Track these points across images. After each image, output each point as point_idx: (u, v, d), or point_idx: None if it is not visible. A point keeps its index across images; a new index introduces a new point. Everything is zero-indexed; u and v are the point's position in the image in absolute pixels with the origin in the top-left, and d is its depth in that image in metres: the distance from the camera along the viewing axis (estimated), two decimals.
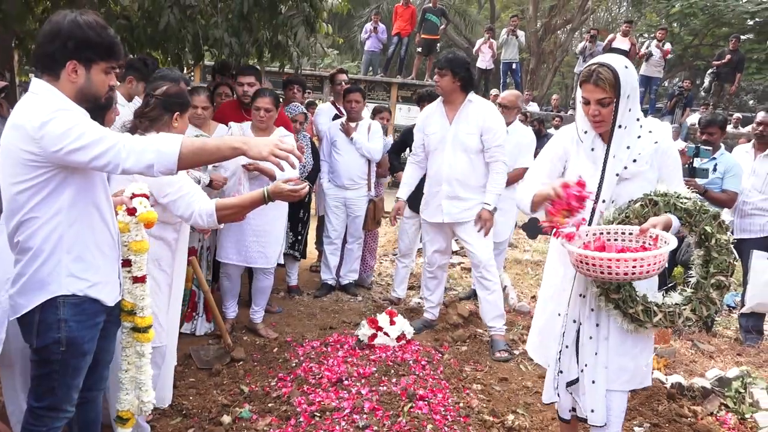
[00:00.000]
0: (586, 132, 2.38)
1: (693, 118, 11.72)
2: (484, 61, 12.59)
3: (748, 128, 9.18)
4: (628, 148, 2.28)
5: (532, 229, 4.62)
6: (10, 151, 1.83)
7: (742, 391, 3.41)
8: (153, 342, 2.48)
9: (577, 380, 2.44)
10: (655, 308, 2.27)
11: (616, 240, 2.22)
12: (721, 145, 4.64)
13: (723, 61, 12.32)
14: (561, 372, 2.45)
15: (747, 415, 3.23)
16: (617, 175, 2.30)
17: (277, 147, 1.95)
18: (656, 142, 2.29)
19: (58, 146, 1.77)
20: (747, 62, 14.86)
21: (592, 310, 2.39)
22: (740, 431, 3.13)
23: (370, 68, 13.42)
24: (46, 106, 1.81)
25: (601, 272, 2.07)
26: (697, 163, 4.42)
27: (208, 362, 3.59)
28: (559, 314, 2.44)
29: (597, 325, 2.39)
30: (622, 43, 11.77)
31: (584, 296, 2.39)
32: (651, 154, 2.29)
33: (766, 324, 5.03)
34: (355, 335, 3.99)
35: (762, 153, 4.63)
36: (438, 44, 12.84)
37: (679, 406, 3.29)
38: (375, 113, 5.49)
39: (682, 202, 2.23)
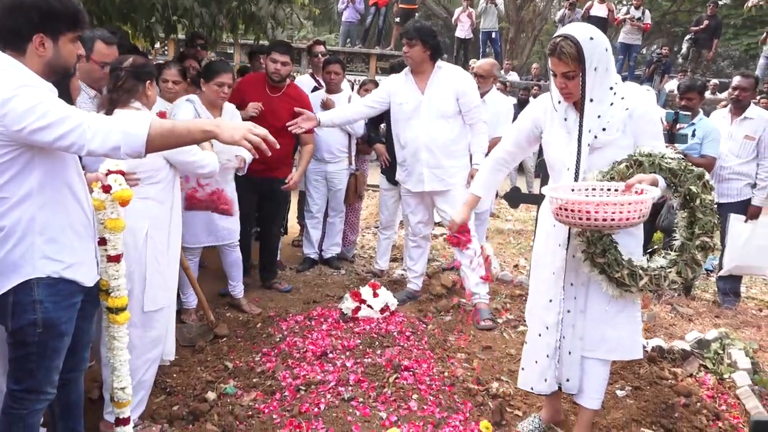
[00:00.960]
0: (560, 102, 2.36)
1: (671, 85, 11.77)
2: (462, 31, 12.47)
3: (726, 94, 9.25)
4: (599, 117, 2.26)
5: (513, 198, 4.61)
6: None
7: (721, 352, 3.48)
8: (156, 303, 2.65)
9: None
10: (641, 272, 2.28)
11: (602, 197, 2.22)
12: (700, 110, 4.65)
13: (701, 27, 12.33)
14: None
15: (725, 375, 3.30)
16: (588, 145, 2.28)
17: (250, 132, 1.89)
18: (627, 109, 2.25)
19: (21, 125, 1.70)
20: (724, 28, 14.92)
21: (572, 284, 2.41)
22: (719, 391, 3.19)
23: (348, 39, 13.22)
24: (9, 83, 1.72)
25: (580, 218, 2.06)
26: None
27: (191, 339, 3.56)
28: (551, 300, 2.44)
29: (575, 298, 2.41)
30: (599, 9, 11.70)
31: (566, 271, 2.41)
32: (622, 120, 2.26)
33: (743, 286, 5.13)
34: (338, 309, 3.99)
35: (738, 117, 4.67)
36: (416, 14, 12.66)
37: (660, 369, 3.35)
38: (361, 86, 5.39)
39: (666, 162, 2.21)
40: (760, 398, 3.11)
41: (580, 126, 2.28)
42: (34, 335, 1.88)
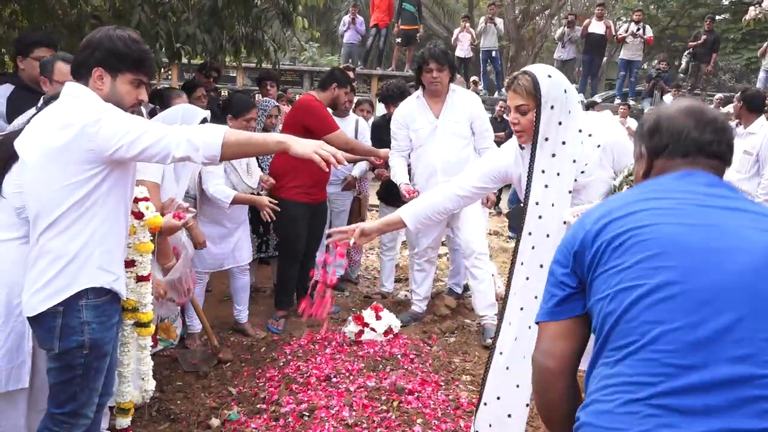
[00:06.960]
0: (522, 147, 2.36)
1: (667, 99, 11.79)
2: (462, 50, 12.54)
3: (729, 108, 9.27)
4: (574, 161, 2.23)
5: (517, 219, 4.60)
6: (58, 151, 1.85)
7: None
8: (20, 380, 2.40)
9: None
10: None
11: None
12: None
13: (699, 42, 12.39)
14: None
15: None
16: (570, 192, 2.24)
17: (321, 147, 2.00)
18: (599, 146, 2.27)
19: (113, 141, 1.83)
20: (724, 42, 14.98)
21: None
22: None
23: (350, 60, 13.32)
24: (95, 106, 1.88)
25: None
26: None
27: (195, 365, 3.55)
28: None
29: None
30: (597, 27, 11.76)
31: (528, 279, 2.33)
32: (597, 157, 2.28)
33: None
34: (342, 332, 3.97)
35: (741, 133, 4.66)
36: (418, 34, 12.74)
37: None
38: (356, 106, 5.38)
39: None
40: None
41: (531, 163, 2.22)
42: (81, 357, 1.94)
